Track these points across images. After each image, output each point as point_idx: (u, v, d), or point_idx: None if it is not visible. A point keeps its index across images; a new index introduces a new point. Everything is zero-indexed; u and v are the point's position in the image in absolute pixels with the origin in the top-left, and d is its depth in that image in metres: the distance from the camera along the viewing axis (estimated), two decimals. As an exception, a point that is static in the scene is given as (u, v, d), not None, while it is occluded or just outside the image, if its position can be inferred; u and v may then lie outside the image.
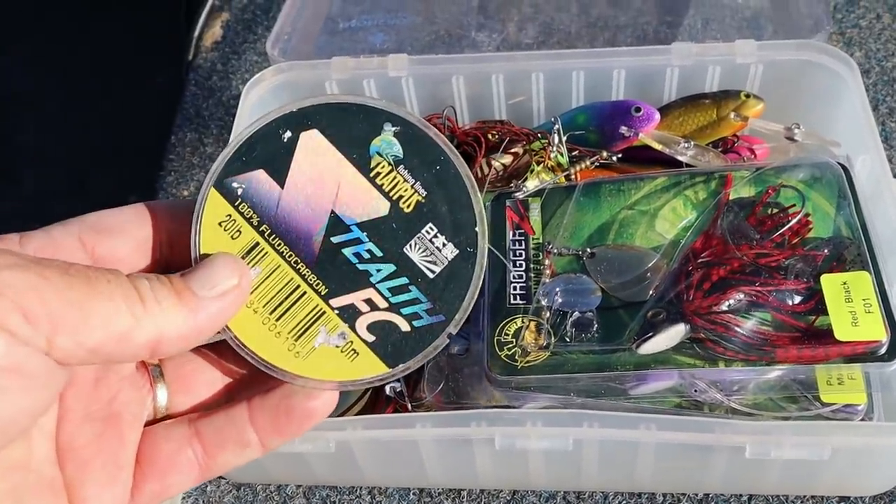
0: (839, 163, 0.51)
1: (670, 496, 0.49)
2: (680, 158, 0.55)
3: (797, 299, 0.46)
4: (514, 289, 0.49)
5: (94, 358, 0.26)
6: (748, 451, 0.43)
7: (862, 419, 0.44)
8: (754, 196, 0.50)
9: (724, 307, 0.46)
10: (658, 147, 0.57)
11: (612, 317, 0.47)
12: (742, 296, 0.46)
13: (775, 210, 0.49)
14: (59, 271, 0.25)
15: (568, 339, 0.47)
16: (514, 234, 0.52)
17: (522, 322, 0.48)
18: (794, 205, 0.49)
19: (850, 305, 0.44)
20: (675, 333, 0.45)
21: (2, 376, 0.24)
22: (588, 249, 0.50)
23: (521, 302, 0.49)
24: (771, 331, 0.45)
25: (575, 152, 0.58)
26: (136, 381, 0.30)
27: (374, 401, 0.50)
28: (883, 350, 0.43)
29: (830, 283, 0.45)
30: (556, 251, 0.51)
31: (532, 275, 0.50)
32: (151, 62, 0.98)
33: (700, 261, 0.48)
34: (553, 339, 0.47)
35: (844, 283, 0.45)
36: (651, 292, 0.47)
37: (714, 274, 0.47)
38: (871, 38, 0.73)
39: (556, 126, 0.57)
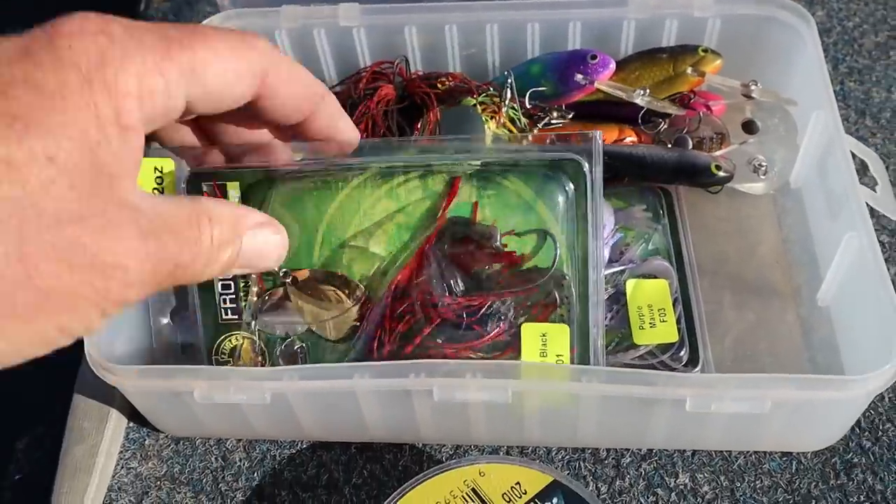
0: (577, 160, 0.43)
1: (613, 451, 0.49)
2: (638, 102, 0.55)
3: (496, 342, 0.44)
4: (225, 301, 0.45)
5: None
6: (689, 403, 0.43)
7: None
8: (469, 221, 0.44)
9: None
10: (613, 93, 0.56)
11: (320, 346, 0.45)
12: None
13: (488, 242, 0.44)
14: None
15: (280, 363, 0.45)
16: None
17: (236, 340, 0.45)
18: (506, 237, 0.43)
19: (543, 359, 0.43)
20: None
21: None
22: (288, 274, 0.45)
23: (233, 317, 0.45)
24: None
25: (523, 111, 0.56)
26: None
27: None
28: None
29: (530, 333, 0.43)
30: None
31: (241, 285, 0.45)
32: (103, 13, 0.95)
33: (400, 311, 0.44)
34: (268, 360, 0.45)
35: (543, 335, 0.43)
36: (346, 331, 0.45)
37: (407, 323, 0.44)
38: (833, -3, 0.72)
39: (509, 80, 0.56)
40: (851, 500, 0.46)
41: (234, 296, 0.45)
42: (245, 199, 0.44)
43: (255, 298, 0.45)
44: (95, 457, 0.49)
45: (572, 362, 0.43)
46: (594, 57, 0.56)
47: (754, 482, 0.47)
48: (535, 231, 0.44)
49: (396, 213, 0.44)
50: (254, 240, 0.34)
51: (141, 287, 0.28)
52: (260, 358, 0.45)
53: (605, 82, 0.57)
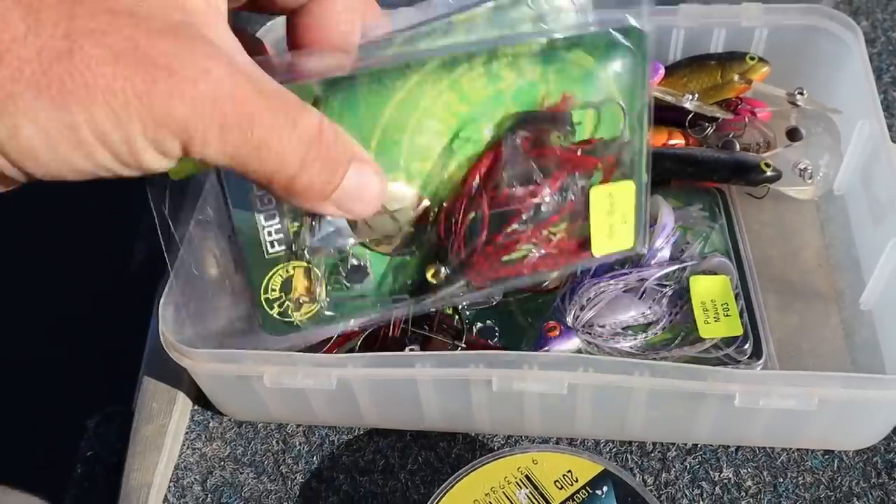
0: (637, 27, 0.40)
1: (660, 445, 0.51)
2: (687, 106, 0.56)
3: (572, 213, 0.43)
4: (270, 234, 0.41)
5: None
6: (738, 399, 0.44)
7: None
8: (540, 109, 0.40)
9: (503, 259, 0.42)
10: (662, 97, 0.58)
11: (377, 258, 0.42)
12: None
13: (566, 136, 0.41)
14: None
15: (347, 284, 0.42)
16: None
17: (286, 272, 0.41)
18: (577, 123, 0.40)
19: (610, 218, 0.43)
20: (456, 289, 0.43)
21: None
22: None
23: (281, 249, 0.41)
24: (548, 255, 0.43)
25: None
26: None
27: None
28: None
29: (598, 196, 0.42)
30: None
31: (287, 217, 0.40)
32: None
33: (479, 213, 0.41)
34: (325, 286, 0.41)
35: (610, 195, 0.43)
36: (408, 245, 0.42)
37: (499, 235, 0.42)
38: (878, 7, 0.73)
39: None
40: (892, 498, 0.48)
41: (279, 225, 0.41)
42: None
43: (306, 223, 0.40)
44: (164, 437, 0.51)
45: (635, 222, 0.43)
46: (644, 63, 0.58)
47: (796, 478, 0.49)
48: (603, 101, 0.41)
49: (459, 104, 0.39)
50: (358, 176, 0.28)
51: (196, 118, 0.24)
52: (314, 286, 0.41)
53: (654, 87, 0.58)
